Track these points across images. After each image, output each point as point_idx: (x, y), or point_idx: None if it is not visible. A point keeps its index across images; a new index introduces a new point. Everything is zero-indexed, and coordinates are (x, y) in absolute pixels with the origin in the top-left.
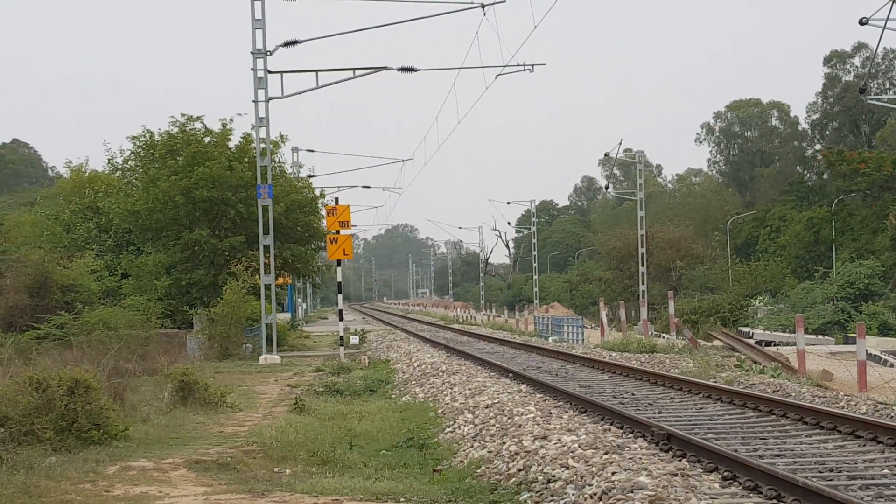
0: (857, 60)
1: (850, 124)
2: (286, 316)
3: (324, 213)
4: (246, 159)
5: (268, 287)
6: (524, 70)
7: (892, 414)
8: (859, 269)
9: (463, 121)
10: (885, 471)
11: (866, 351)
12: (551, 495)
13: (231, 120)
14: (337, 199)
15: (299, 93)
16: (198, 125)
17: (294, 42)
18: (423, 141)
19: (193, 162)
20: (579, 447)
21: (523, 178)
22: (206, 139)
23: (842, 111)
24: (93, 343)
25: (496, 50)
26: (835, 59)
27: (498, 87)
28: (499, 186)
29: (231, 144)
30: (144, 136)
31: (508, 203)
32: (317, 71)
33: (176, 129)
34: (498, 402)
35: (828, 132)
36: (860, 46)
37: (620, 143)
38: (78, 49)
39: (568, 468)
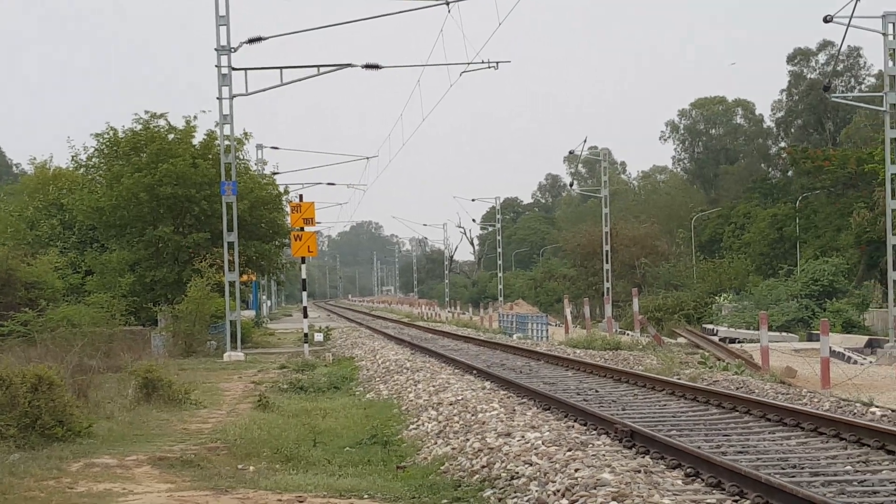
0: (821, 58)
1: (814, 122)
2: (251, 313)
3: (288, 209)
4: (210, 156)
5: (232, 284)
6: (489, 67)
7: (855, 411)
8: (823, 266)
9: (428, 118)
10: (848, 467)
11: (830, 348)
12: (515, 492)
13: (195, 117)
14: (301, 196)
15: (264, 90)
16: (161, 122)
17: (258, 39)
18: (388, 138)
19: (157, 159)
20: (543, 444)
21: (488, 176)
22: (170, 136)
23: (806, 109)
24: (56, 340)
25: (461, 47)
26: (799, 56)
27: (463, 84)
28: (463, 183)
29: (195, 142)
30: (108, 134)
31: (473, 200)
32: (281, 68)
33: (140, 127)
34: (462, 398)
35: (792, 130)
36: (825, 44)
37: (585, 141)
38: (42, 42)
39: (531, 465)
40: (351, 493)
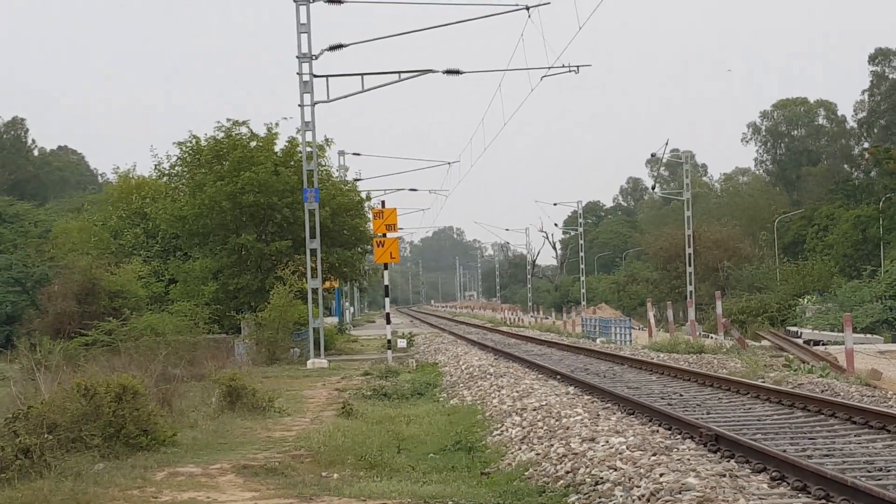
0: None
1: None
2: (334, 320)
3: (370, 216)
4: (292, 163)
5: (315, 291)
6: (569, 71)
7: None
8: None
9: (509, 123)
10: None
11: None
12: (599, 497)
13: (276, 124)
14: (383, 203)
15: (345, 96)
16: (243, 130)
17: (339, 46)
18: (470, 143)
19: (239, 167)
20: (627, 449)
21: (569, 180)
22: (252, 144)
23: (889, 108)
24: (140, 349)
25: (541, 51)
26: (880, 56)
27: (543, 88)
28: (545, 188)
29: (277, 149)
30: (191, 142)
31: (555, 204)
32: (362, 74)
33: (222, 135)
34: (546, 404)
35: (875, 130)
36: None
37: (667, 144)
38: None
39: (616, 470)
40: (435, 500)
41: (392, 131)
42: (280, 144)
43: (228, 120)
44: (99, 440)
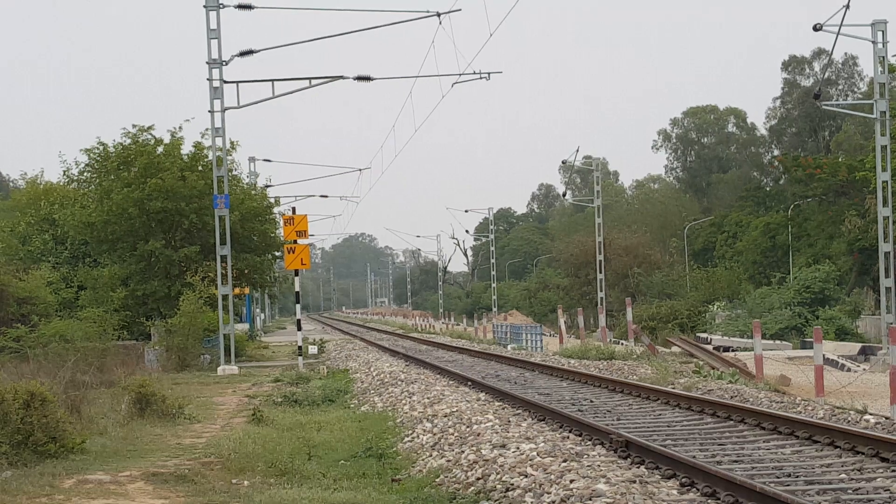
0: (816, 66)
1: (808, 130)
2: (244, 326)
3: (281, 222)
4: (199, 168)
5: (225, 298)
6: (480, 78)
7: (849, 418)
8: (816, 273)
9: (420, 129)
10: (843, 475)
11: (823, 355)
12: (510, 503)
13: (180, 128)
14: (294, 209)
15: (255, 102)
16: (148, 136)
17: (250, 52)
18: (381, 150)
19: (146, 173)
20: (538, 455)
21: (481, 186)
22: (158, 149)
23: (801, 116)
24: (49, 356)
25: (452, 58)
26: (793, 64)
27: (454, 95)
28: (456, 195)
29: (183, 153)
30: (98, 149)
31: (466, 211)
32: (273, 80)
33: (129, 140)
34: (457, 410)
35: (786, 138)
36: (819, 52)
37: (578, 150)
38: (34, 55)
39: (527, 476)
40: None
41: (303, 138)
42: (186, 148)
43: (134, 126)
44: (7, 447)
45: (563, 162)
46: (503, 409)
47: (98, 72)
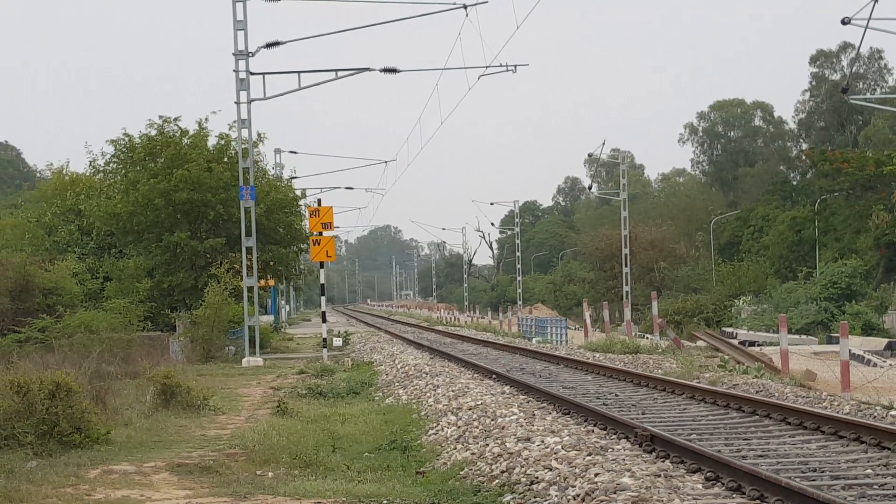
0: (844, 60)
1: (837, 124)
2: (269, 318)
3: (306, 214)
4: (225, 159)
5: (250, 289)
6: (507, 70)
7: (875, 414)
8: (842, 268)
9: (446, 122)
10: (868, 471)
11: (849, 350)
12: (534, 497)
13: (206, 119)
14: (319, 201)
15: (282, 94)
16: (174, 127)
17: (276, 43)
18: (406, 142)
19: (172, 164)
20: (562, 448)
21: (507, 179)
22: (185, 140)
23: (829, 110)
24: (74, 346)
25: (479, 51)
26: (821, 58)
27: (481, 87)
28: (482, 187)
29: (209, 145)
30: (124, 140)
31: (492, 204)
32: (299, 72)
33: (154, 132)
34: (481, 403)
35: (814, 132)
36: (846, 46)
37: (604, 143)
38: (59, 48)
39: (551, 469)
40: (370, 499)
41: (329, 129)
42: (211, 140)
43: (161, 117)
44: (32, 437)
45: (589, 155)
46: (528, 402)
47: (122, 65)
